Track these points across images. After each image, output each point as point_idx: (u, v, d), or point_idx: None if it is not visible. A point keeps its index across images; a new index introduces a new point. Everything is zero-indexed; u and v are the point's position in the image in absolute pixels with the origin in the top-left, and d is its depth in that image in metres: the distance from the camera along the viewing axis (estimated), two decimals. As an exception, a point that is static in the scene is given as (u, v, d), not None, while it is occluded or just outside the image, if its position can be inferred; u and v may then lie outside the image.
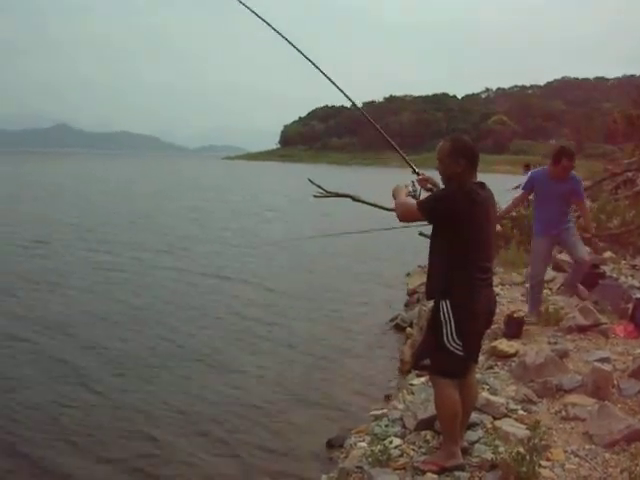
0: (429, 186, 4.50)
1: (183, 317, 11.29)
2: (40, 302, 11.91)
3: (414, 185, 4.44)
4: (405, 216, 4.09)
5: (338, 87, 5.02)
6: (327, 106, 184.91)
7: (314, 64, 4.99)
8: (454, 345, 3.78)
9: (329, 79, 4.99)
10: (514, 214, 13.38)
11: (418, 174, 4.59)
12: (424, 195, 4.28)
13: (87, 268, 15.35)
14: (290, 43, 5.04)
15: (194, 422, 7.07)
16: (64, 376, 8.24)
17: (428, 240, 4.04)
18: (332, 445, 6.44)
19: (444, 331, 3.79)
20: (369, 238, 17.07)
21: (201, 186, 49.77)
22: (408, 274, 15.22)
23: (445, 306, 3.80)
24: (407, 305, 12.59)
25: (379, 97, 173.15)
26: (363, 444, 5.09)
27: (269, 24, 5.07)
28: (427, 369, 4.18)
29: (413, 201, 4.09)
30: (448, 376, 3.88)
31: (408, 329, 10.11)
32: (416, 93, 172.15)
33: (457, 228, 3.78)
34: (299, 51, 5.01)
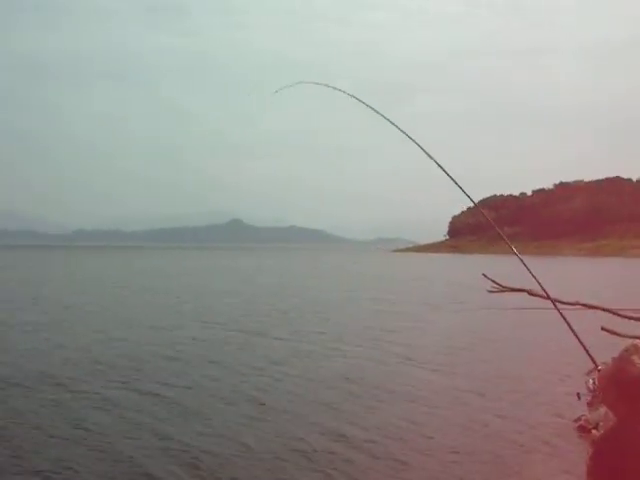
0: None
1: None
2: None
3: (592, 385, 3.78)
4: None
5: (457, 183, 5.06)
6: (495, 195, 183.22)
7: (440, 165, 5.03)
8: None
9: (451, 178, 5.02)
10: None
11: (598, 369, 3.94)
12: None
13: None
14: (418, 145, 5.14)
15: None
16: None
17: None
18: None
19: None
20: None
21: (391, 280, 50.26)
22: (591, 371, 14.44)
23: None
24: (590, 404, 11.94)
25: (549, 184, 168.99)
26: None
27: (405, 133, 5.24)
28: None
29: None
30: None
31: (593, 432, 9.51)
32: (587, 178, 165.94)
33: None
34: (427, 154, 5.08)
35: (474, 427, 10.19)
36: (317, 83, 6.63)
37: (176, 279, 50.35)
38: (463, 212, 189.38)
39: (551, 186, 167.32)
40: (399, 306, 29.93)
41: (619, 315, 16.76)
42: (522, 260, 4.84)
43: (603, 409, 9.51)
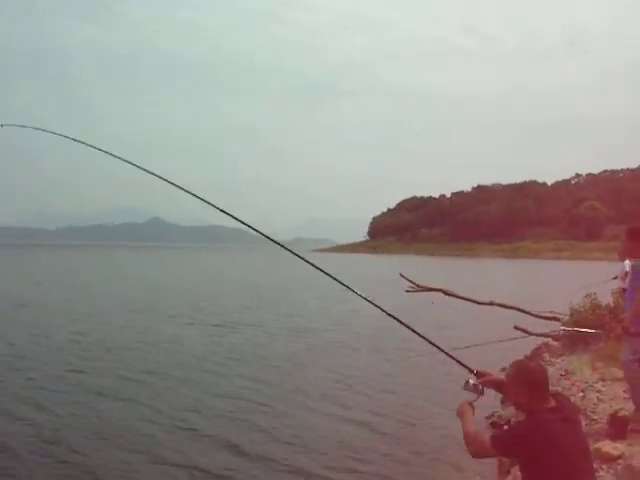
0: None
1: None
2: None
3: (470, 387, 4.07)
4: (478, 452, 3.78)
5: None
6: (415, 197, 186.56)
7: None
8: None
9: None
10: (612, 305, 13.06)
11: (476, 374, 4.17)
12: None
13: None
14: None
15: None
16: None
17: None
18: None
19: None
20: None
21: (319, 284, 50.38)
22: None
23: None
24: (503, 401, 12.17)
25: (467, 187, 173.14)
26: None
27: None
28: None
29: (486, 436, 3.70)
30: None
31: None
32: (504, 181, 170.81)
33: (537, 468, 3.50)
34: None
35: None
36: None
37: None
38: (383, 213, 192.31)
39: (469, 189, 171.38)
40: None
41: (531, 314, 17.38)
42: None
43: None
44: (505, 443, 3.63)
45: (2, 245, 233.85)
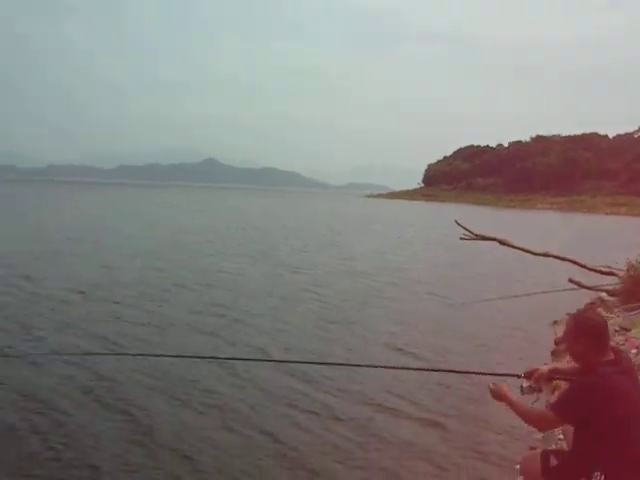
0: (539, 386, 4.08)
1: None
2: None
3: (527, 390, 4.08)
4: (543, 426, 3.89)
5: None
6: (472, 145, 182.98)
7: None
8: None
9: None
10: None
11: (525, 376, 4.15)
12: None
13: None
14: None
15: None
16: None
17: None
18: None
19: None
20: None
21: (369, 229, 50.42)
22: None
23: None
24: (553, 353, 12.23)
25: (526, 137, 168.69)
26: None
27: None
28: None
29: (541, 409, 3.82)
30: None
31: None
32: (565, 132, 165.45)
33: (602, 422, 3.50)
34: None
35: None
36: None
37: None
38: (439, 161, 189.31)
39: (528, 139, 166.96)
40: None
41: (586, 268, 17.24)
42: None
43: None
44: (567, 405, 3.62)
45: (65, 183, 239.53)
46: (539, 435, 7.03)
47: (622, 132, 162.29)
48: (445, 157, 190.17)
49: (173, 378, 9.14)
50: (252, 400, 8.42)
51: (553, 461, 3.93)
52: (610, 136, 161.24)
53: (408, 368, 7.37)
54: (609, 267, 16.84)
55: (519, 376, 4.12)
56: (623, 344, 9.81)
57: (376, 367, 3.96)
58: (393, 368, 7.51)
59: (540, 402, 4.00)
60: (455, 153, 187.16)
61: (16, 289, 15.85)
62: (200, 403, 8.25)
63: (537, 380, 4.06)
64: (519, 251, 18.56)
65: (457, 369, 8.48)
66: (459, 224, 18.27)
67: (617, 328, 11.45)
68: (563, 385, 4.61)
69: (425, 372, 9.40)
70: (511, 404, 3.88)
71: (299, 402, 8.40)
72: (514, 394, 3.98)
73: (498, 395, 3.96)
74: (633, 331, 10.79)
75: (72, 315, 13.18)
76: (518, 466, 5.16)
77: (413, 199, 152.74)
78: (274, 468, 6.46)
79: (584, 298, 15.90)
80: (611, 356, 3.65)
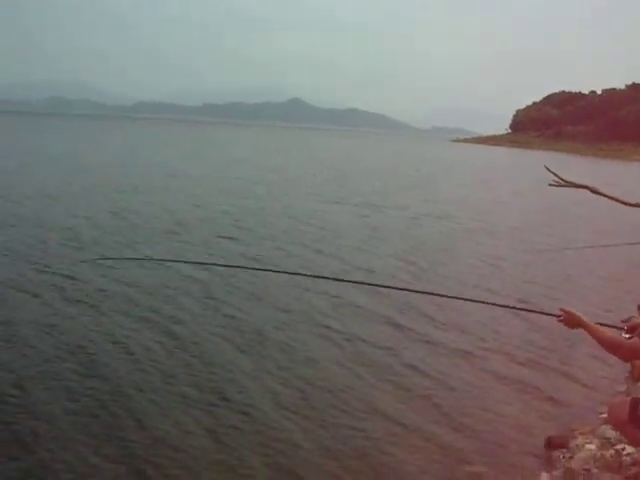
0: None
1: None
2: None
3: None
4: (627, 355, 3.58)
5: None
6: (564, 91, 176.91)
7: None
8: None
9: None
10: None
11: (626, 330, 3.63)
12: None
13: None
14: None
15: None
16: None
17: None
18: (552, 444, 5.94)
19: None
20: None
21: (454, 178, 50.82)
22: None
23: None
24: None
25: (620, 84, 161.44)
26: (591, 446, 4.94)
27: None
28: None
29: (632, 340, 3.48)
30: None
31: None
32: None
33: None
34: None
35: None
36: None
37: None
38: (528, 106, 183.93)
39: (622, 86, 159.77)
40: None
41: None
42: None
43: None
44: None
45: (154, 120, 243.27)
46: (622, 387, 7.25)
47: None
48: (534, 102, 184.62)
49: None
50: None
51: None
52: None
53: (502, 305, 6.60)
54: None
55: (620, 328, 3.65)
56: None
57: (475, 302, 4.27)
58: (486, 304, 7.25)
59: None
60: (545, 99, 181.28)
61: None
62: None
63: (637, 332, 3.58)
64: (611, 201, 18.97)
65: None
66: (549, 169, 18.79)
67: None
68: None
69: (519, 312, 9.48)
70: (590, 330, 3.58)
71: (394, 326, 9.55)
72: (592, 322, 3.63)
73: (572, 321, 3.67)
74: None
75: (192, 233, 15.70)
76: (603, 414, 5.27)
77: (499, 145, 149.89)
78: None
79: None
80: None
